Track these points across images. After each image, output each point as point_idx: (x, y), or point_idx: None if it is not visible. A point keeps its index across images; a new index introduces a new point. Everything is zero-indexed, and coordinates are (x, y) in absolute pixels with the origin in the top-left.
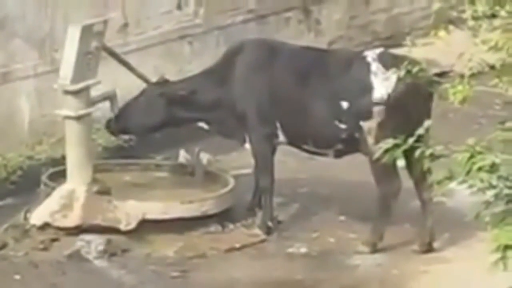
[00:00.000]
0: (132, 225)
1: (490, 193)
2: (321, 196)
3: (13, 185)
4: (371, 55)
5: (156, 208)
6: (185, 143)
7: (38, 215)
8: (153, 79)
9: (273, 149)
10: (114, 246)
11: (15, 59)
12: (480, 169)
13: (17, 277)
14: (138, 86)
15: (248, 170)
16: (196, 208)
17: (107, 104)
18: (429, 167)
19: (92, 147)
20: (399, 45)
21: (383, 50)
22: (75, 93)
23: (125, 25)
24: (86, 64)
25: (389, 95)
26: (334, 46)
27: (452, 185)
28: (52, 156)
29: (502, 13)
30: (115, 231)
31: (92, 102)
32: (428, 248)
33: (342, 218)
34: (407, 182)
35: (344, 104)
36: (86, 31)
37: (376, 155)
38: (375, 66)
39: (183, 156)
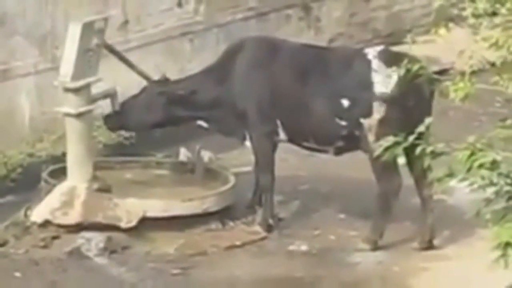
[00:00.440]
0: (133, 222)
1: (490, 191)
2: (321, 194)
3: (14, 183)
4: (371, 52)
5: (156, 206)
6: (185, 141)
7: (38, 213)
8: (154, 76)
9: (274, 147)
10: (115, 243)
11: (15, 56)
12: (480, 166)
13: (18, 274)
14: (138, 83)
15: (249, 168)
16: (197, 206)
17: (107, 101)
18: (429, 165)
19: (93, 144)
20: (399, 42)
21: (384, 47)
22: (76, 90)
23: (126, 22)
24: (86, 61)
25: (389, 93)
26: (335, 44)
27: (453, 182)
28: (53, 154)
29: (503, 10)
30: (116, 228)
31: (92, 100)
32: (429, 246)
33: (342, 215)
34: (407, 179)
35: (345, 102)
36: (87, 28)
37: (377, 152)
38: (375, 64)
39: (183, 154)
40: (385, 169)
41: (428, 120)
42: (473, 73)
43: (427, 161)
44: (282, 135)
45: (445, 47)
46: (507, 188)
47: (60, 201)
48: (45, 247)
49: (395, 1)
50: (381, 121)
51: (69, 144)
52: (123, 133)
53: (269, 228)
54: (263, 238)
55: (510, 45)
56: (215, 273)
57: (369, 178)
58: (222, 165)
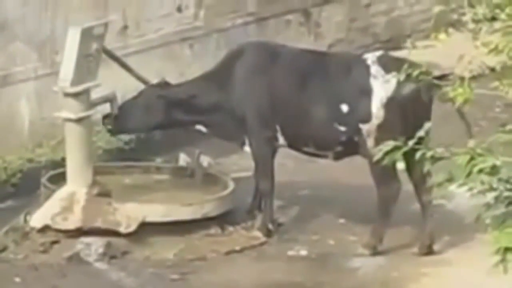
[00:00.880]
0: (132, 227)
1: (490, 196)
2: (321, 199)
3: (13, 188)
4: (371, 58)
5: (156, 211)
6: (185, 146)
7: (38, 218)
8: (153, 82)
9: (273, 152)
10: (114, 248)
11: (15, 61)
12: (480, 171)
13: (17, 279)
14: (138, 88)
15: (248, 173)
16: (196, 211)
17: (107, 106)
18: (429, 170)
19: (92, 149)
20: (399, 47)
21: (383, 53)
22: (75, 95)
23: (125, 27)
24: (86, 66)
25: (388, 98)
26: (334, 49)
27: (452, 187)
28: (52, 159)
29: (502, 16)
30: (115, 233)
31: (92, 105)
32: (428, 251)
33: (342, 220)
34: (407, 184)
35: (344, 107)
36: (86, 33)
37: (376, 157)
38: (374, 69)
39: (183, 159)
40: (384, 174)
41: (427, 125)
42: (473, 78)
43: (427, 166)
44: (281, 140)
45: (445, 52)
46: (507, 193)
47: (60, 206)
48: (44, 252)
49: (395, 6)
50: (380, 127)
51: (69, 149)
52: (123, 137)
53: (268, 233)
54: (262, 243)
55: (510, 50)
56: (215, 278)
57: (368, 183)
58: (222, 170)
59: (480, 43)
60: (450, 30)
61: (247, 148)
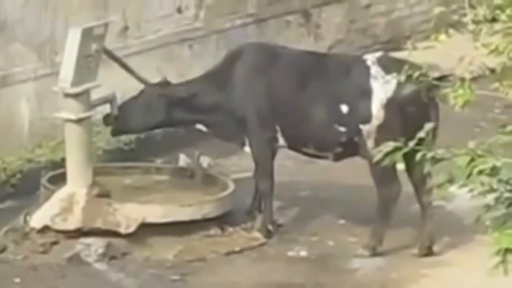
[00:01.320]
0: (132, 228)
1: (490, 197)
2: (321, 200)
3: (13, 188)
4: (370, 58)
5: (156, 211)
6: (185, 147)
7: (38, 218)
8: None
9: (273, 153)
10: (114, 249)
11: (15, 62)
12: (480, 172)
13: (17, 280)
14: (138, 89)
15: (248, 174)
16: (196, 212)
17: (107, 107)
18: (429, 171)
19: (92, 150)
20: (399, 48)
21: (383, 53)
22: (75, 96)
23: (126, 28)
24: (86, 67)
25: (388, 99)
26: (334, 50)
27: (452, 188)
28: (52, 159)
29: (503, 17)
30: (115, 234)
31: (92, 105)
32: (428, 252)
33: (342, 221)
34: (406, 185)
35: (344, 108)
36: (87, 34)
37: (376, 158)
38: (374, 70)
39: (183, 159)
40: (384, 175)
41: (428, 126)
42: (473, 79)
43: (427, 167)
44: (281, 141)
45: (445, 53)
46: (507, 194)
47: (60, 207)
48: (44, 252)
49: (395, 7)
50: (380, 127)
51: (69, 150)
52: (123, 138)
53: (268, 234)
54: (262, 244)
55: (510, 51)
56: (214, 279)
57: (368, 184)
58: (221, 171)
59: (480, 44)
60: (451, 31)
61: (247, 149)
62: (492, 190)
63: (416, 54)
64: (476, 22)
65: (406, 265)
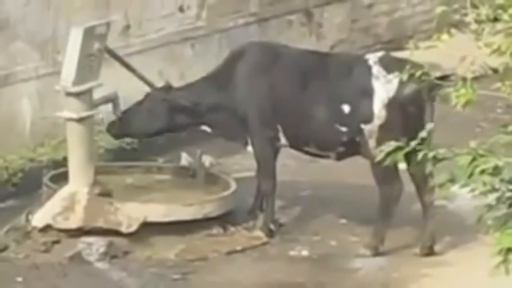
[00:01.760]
0: (134, 227)
1: (492, 197)
2: (322, 199)
3: (15, 187)
4: (372, 58)
5: (157, 211)
6: (187, 146)
7: (39, 217)
8: (156, 81)
9: (275, 152)
10: (116, 248)
11: (17, 61)
12: (482, 172)
13: (19, 279)
14: (140, 88)
15: (250, 173)
16: (198, 211)
17: (109, 106)
18: (431, 171)
19: (94, 149)
20: (401, 48)
21: (385, 53)
22: (77, 95)
23: (127, 27)
24: (88, 66)
25: (390, 99)
26: (336, 49)
27: (454, 188)
28: (54, 158)
29: (505, 16)
30: (117, 233)
31: (94, 104)
32: (430, 252)
33: (343, 221)
34: (408, 185)
35: (345, 107)
36: (89, 33)
37: (378, 157)
38: (376, 70)
39: (185, 158)
40: (386, 174)
41: (429, 126)
42: (475, 79)
43: (429, 167)
44: (283, 140)
45: (447, 53)
46: (508, 194)
47: (61, 206)
48: (46, 251)
49: (397, 7)
50: (382, 127)
51: (70, 149)
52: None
53: (270, 233)
54: (264, 243)
55: None
56: (216, 278)
57: (370, 183)
58: (223, 170)
59: (482, 44)
60: (453, 31)
61: (250, 148)
62: (493, 190)
63: (418, 53)
64: (478, 21)
65: (408, 265)
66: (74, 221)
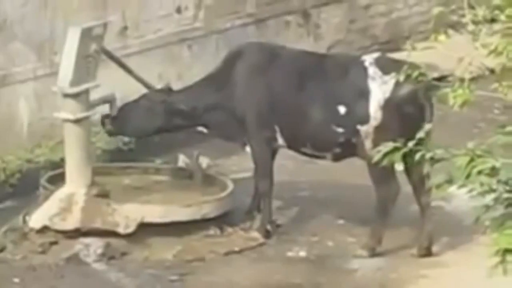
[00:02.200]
0: (131, 228)
1: (489, 197)
2: (320, 200)
3: (12, 188)
4: (368, 59)
5: (155, 212)
6: (184, 147)
7: (37, 218)
8: (154, 83)
9: (273, 153)
10: (113, 249)
11: (14, 62)
12: (479, 173)
13: (16, 280)
14: (137, 89)
15: (248, 174)
16: (195, 212)
17: (106, 107)
18: (428, 171)
19: (91, 150)
20: (398, 49)
21: (381, 54)
22: (74, 96)
23: (125, 28)
24: (85, 67)
25: (386, 99)
26: (334, 50)
27: (451, 189)
28: (51, 159)
29: (502, 17)
30: (114, 234)
31: (91, 105)
32: (427, 252)
33: (341, 222)
34: (405, 186)
35: (342, 108)
36: (86, 34)
37: (375, 158)
38: (372, 71)
39: (182, 160)
40: (383, 175)
41: (427, 126)
42: (472, 79)
43: (426, 168)
44: (280, 141)
45: (444, 54)
46: (506, 195)
47: (59, 207)
48: (43, 253)
49: (394, 8)
50: (378, 128)
51: (68, 149)
52: (122, 138)
53: (267, 234)
54: (261, 244)
55: (509, 51)
56: (213, 279)
57: (367, 184)
58: (221, 171)
59: (479, 44)
60: (450, 31)
61: (248, 149)
62: (491, 190)
63: (415, 54)
64: (475, 22)
65: (405, 266)
66: (72, 222)
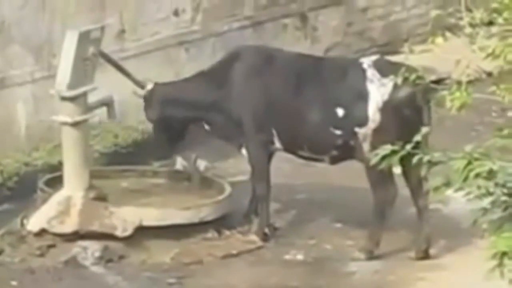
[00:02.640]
0: (129, 231)
1: (487, 200)
2: (317, 203)
3: (10, 191)
4: (366, 62)
5: (152, 215)
6: (182, 150)
7: (34, 221)
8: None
9: (270, 156)
10: (111, 252)
11: (12, 64)
12: (477, 176)
13: (14, 283)
14: (135, 92)
15: (245, 177)
16: (193, 215)
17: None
18: (426, 174)
19: (89, 153)
20: (396, 52)
21: (379, 57)
22: (72, 99)
23: (122, 31)
24: (83, 70)
25: (384, 102)
26: (331, 53)
27: (449, 192)
28: (49, 162)
29: (500, 20)
30: (112, 237)
31: (89, 108)
32: (425, 255)
33: (338, 225)
34: (403, 189)
35: (340, 111)
36: (83, 37)
37: (373, 161)
38: (370, 73)
39: (180, 162)
40: (380, 178)
41: (425, 129)
42: (469, 82)
43: (424, 171)
44: (277, 144)
45: (442, 57)
46: (503, 198)
47: (56, 210)
48: (41, 255)
49: (392, 10)
50: (376, 131)
51: (66, 152)
52: (120, 142)
53: (265, 237)
54: (259, 247)
55: (507, 54)
56: (211, 282)
57: (365, 187)
58: (218, 174)
59: (477, 47)
60: (447, 34)
61: (244, 151)
62: (488, 193)
63: (413, 57)
64: (473, 25)
65: (403, 268)
66: (69, 225)
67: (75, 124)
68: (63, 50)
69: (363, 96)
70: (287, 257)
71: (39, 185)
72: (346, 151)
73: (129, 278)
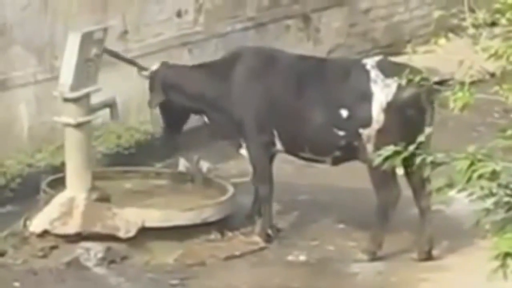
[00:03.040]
0: (132, 232)
1: (490, 201)
2: (320, 204)
3: (13, 193)
4: (370, 62)
5: (155, 216)
6: (184, 151)
7: (37, 223)
8: None
9: (271, 157)
10: (114, 253)
11: (14, 66)
12: (480, 176)
13: (17, 284)
14: (138, 92)
15: (247, 178)
16: (196, 216)
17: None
18: (428, 175)
19: (92, 154)
20: (399, 53)
21: (382, 57)
22: (75, 100)
23: (125, 32)
24: (86, 71)
25: (388, 103)
26: (334, 54)
27: (452, 193)
28: (52, 164)
29: (503, 21)
30: (115, 238)
31: (91, 110)
32: (427, 256)
33: (341, 226)
34: (405, 190)
35: (343, 112)
36: (86, 38)
37: (376, 162)
38: (374, 74)
39: (182, 164)
40: (383, 179)
41: (428, 130)
42: (472, 83)
43: (427, 172)
44: (279, 146)
45: (444, 58)
46: (506, 198)
47: (59, 211)
48: (44, 257)
49: (395, 11)
50: (380, 131)
51: (68, 154)
52: (122, 143)
53: (268, 239)
54: (262, 249)
55: (510, 55)
56: (214, 283)
57: (368, 188)
58: (221, 175)
59: (480, 48)
60: (450, 35)
61: (243, 151)
62: (491, 194)
63: (416, 58)
64: (475, 26)
65: (406, 270)
66: (72, 227)
67: (78, 126)
68: (66, 51)
69: (367, 97)
70: (289, 258)
71: (42, 187)
72: (349, 152)
73: (132, 279)
